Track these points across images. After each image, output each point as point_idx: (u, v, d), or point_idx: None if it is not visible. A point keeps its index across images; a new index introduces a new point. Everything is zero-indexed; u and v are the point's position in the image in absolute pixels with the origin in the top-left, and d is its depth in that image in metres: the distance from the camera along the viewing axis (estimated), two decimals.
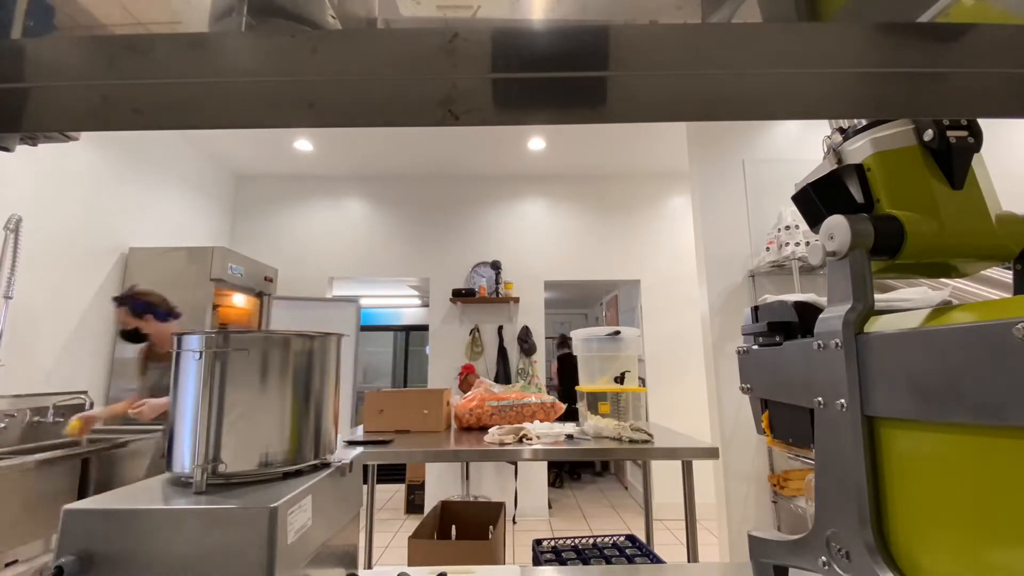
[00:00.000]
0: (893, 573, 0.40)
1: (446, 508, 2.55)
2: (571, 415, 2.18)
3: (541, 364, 4.21)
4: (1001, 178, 0.58)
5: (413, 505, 4.18)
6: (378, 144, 3.90)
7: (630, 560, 1.73)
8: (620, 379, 2.01)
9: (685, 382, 4.12)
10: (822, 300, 0.55)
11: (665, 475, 3.81)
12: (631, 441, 1.69)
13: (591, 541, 1.91)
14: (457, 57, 0.36)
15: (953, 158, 0.50)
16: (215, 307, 3.17)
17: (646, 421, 2.09)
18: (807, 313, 0.57)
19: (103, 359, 2.98)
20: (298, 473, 0.63)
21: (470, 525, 2.43)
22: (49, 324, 2.59)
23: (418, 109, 0.40)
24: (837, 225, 0.48)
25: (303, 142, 3.85)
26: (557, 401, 2.14)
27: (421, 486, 4.12)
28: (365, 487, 2.31)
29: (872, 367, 0.42)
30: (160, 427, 2.31)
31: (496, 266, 4.21)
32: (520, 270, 4.28)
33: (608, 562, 1.70)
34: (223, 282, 3.19)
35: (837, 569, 0.45)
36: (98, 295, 2.93)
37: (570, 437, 1.82)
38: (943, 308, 0.40)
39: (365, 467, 2.17)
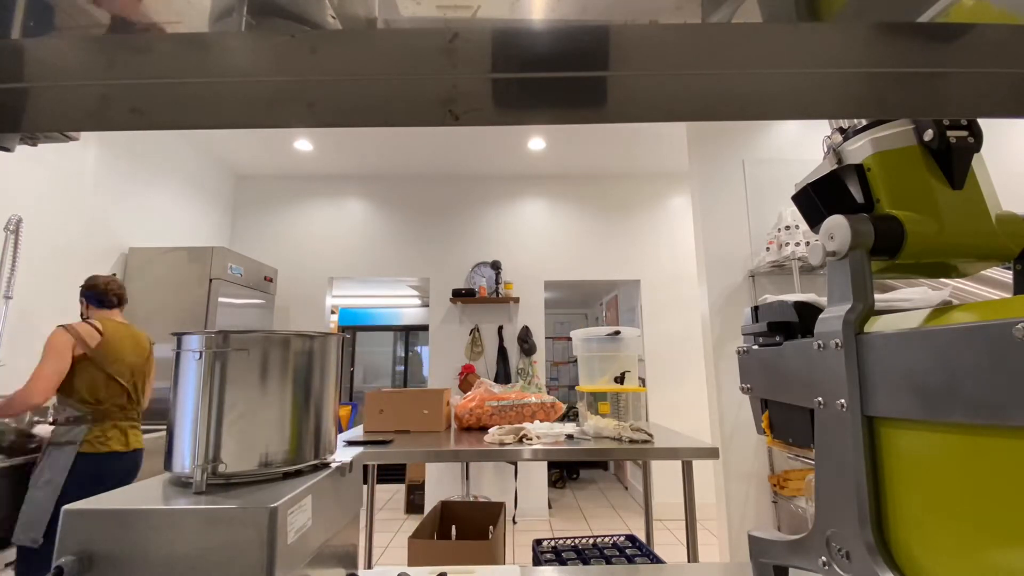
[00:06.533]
0: (893, 573, 0.40)
1: (446, 508, 2.55)
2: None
3: (541, 364, 4.21)
4: (1001, 178, 0.58)
5: (413, 505, 4.18)
6: (378, 144, 3.90)
7: (630, 560, 1.73)
8: (620, 379, 2.01)
9: (685, 382, 4.12)
10: (822, 300, 0.55)
11: (665, 475, 3.81)
12: (631, 441, 1.69)
13: (591, 541, 1.91)
14: (457, 57, 0.36)
15: (953, 158, 0.50)
16: None
17: (646, 421, 2.09)
18: (807, 313, 0.57)
19: None
20: (298, 473, 0.63)
21: (470, 525, 2.43)
22: (49, 324, 2.58)
23: (418, 109, 0.40)
24: (837, 225, 0.48)
25: (303, 142, 3.85)
26: (557, 401, 2.14)
27: (421, 486, 4.12)
28: (365, 487, 2.31)
29: (872, 367, 0.42)
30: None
31: (496, 266, 4.21)
32: (520, 270, 4.28)
33: (608, 562, 1.70)
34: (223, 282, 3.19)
35: (837, 569, 0.45)
36: None
37: (570, 437, 1.82)
38: (943, 308, 0.40)
39: (365, 467, 2.17)
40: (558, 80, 0.38)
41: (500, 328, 4.19)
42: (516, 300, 4.18)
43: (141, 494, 0.56)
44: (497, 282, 4.17)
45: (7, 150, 0.47)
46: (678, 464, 1.67)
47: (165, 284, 3.11)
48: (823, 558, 0.47)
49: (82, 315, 2.15)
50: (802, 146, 2.89)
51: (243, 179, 4.39)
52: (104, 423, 1.94)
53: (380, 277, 4.37)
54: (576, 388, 2.14)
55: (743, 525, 2.56)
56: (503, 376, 4.09)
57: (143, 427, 2.16)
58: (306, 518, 0.57)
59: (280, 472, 0.62)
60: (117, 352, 2.04)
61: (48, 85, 0.38)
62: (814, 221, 0.58)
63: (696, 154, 2.96)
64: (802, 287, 2.49)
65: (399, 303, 7.50)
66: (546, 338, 4.29)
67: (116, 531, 0.49)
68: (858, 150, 0.55)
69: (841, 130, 0.58)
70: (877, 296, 0.47)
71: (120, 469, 1.97)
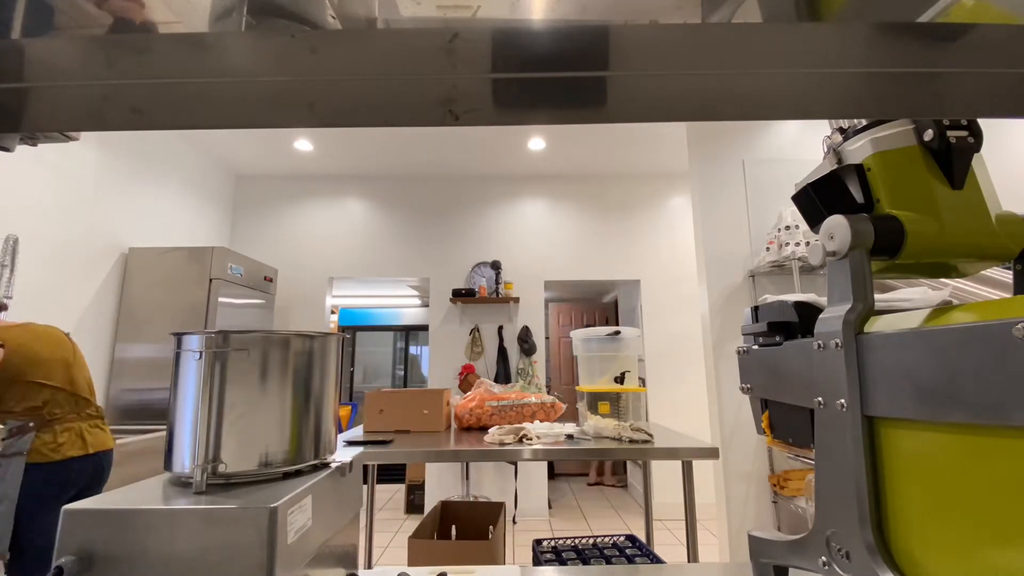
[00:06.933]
0: (893, 573, 0.40)
1: (446, 508, 2.55)
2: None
3: (541, 364, 4.21)
4: (1001, 178, 0.58)
5: (413, 505, 4.18)
6: (378, 144, 3.90)
7: (630, 560, 1.73)
8: (620, 379, 2.01)
9: (685, 382, 4.12)
10: (822, 300, 0.55)
11: (665, 475, 3.81)
12: (631, 441, 1.69)
13: (591, 541, 1.91)
14: (457, 57, 0.36)
15: (953, 158, 0.50)
16: None
17: (646, 421, 2.09)
18: (807, 313, 0.57)
19: (103, 359, 2.98)
20: (298, 473, 0.63)
21: (470, 525, 2.43)
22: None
23: (418, 109, 0.40)
24: (837, 225, 0.48)
25: (303, 142, 3.85)
26: (557, 401, 2.14)
27: (421, 486, 4.12)
28: (365, 487, 2.31)
29: (872, 367, 0.42)
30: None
31: (496, 266, 4.21)
32: (520, 270, 4.28)
33: (608, 562, 1.70)
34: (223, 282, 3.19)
35: (837, 569, 0.45)
36: (98, 295, 2.93)
37: (570, 437, 1.82)
38: (943, 308, 0.40)
39: (365, 467, 2.17)
40: (558, 80, 0.38)
41: (500, 328, 4.19)
42: (516, 300, 4.18)
43: (141, 494, 0.56)
44: (497, 282, 4.17)
45: (7, 150, 0.47)
46: (678, 464, 1.67)
47: (165, 284, 3.11)
48: (823, 558, 0.47)
49: None
50: (802, 146, 2.89)
51: (243, 179, 4.39)
52: (53, 427, 1.74)
53: (380, 277, 4.37)
54: (576, 387, 2.14)
55: (743, 525, 2.56)
56: (503, 376, 4.08)
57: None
58: (306, 518, 0.57)
59: (280, 472, 0.62)
60: (33, 356, 1.77)
61: (48, 85, 0.38)
62: (814, 221, 0.58)
63: (696, 154, 2.96)
64: (802, 287, 2.49)
65: (399, 303, 7.50)
66: (546, 338, 4.28)
67: (116, 531, 0.49)
68: (858, 150, 0.55)
69: (841, 130, 0.58)
70: (877, 296, 0.47)
71: (81, 473, 1.77)
